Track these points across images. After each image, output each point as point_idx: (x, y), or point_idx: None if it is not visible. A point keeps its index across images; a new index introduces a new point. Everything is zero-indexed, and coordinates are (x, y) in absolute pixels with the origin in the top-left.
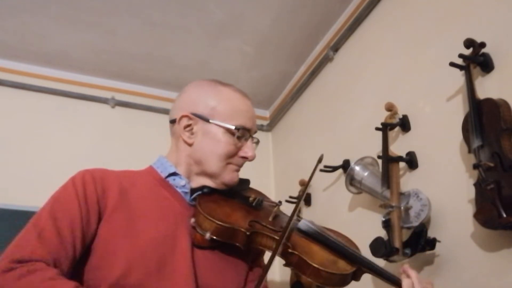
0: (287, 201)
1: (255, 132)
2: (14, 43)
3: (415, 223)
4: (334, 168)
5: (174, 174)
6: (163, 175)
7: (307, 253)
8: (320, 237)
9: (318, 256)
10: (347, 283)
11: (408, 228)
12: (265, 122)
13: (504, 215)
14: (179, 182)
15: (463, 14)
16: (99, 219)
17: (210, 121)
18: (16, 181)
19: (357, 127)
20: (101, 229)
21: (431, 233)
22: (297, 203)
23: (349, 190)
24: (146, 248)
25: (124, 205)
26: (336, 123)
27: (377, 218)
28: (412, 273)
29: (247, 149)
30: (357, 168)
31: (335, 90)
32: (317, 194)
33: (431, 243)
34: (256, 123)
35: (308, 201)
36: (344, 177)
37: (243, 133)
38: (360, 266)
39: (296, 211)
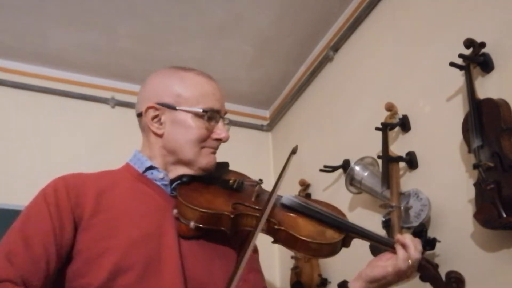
0: None
1: (226, 113)
2: (14, 43)
3: (415, 223)
4: (334, 168)
5: (151, 167)
6: (140, 170)
7: (294, 227)
8: (305, 210)
9: (305, 229)
10: (338, 251)
11: (408, 228)
12: (265, 122)
13: (504, 215)
14: (157, 175)
15: (463, 14)
16: (76, 227)
17: (177, 108)
18: (16, 181)
19: (357, 127)
20: (82, 236)
21: (431, 233)
22: (278, 179)
23: (349, 190)
24: (130, 248)
25: (102, 208)
26: (336, 123)
27: (377, 218)
28: (408, 241)
29: (219, 130)
30: (357, 168)
31: (335, 90)
32: (317, 194)
33: (431, 243)
34: (225, 104)
35: None
36: (344, 177)
37: (212, 115)
38: (348, 233)
39: (277, 187)
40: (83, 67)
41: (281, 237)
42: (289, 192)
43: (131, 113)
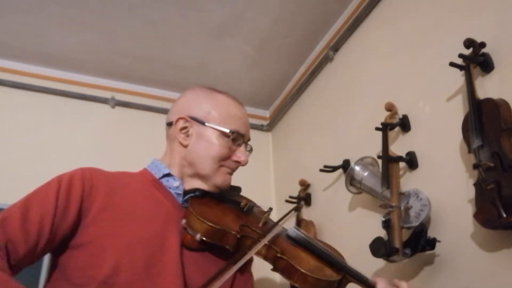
0: (287, 201)
1: (249, 139)
2: (14, 43)
3: (415, 223)
4: (334, 168)
5: (168, 175)
6: (157, 176)
7: (295, 259)
8: (308, 245)
9: (306, 262)
10: None
11: (408, 228)
12: (265, 122)
13: (504, 215)
14: (172, 183)
15: (463, 14)
16: (80, 216)
17: (206, 124)
18: (16, 181)
19: (357, 127)
20: (88, 228)
21: (431, 233)
22: (289, 212)
23: (349, 190)
24: (133, 247)
25: (111, 206)
26: (336, 123)
27: (377, 218)
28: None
29: (240, 153)
30: (357, 168)
31: (335, 90)
32: (317, 194)
33: (431, 243)
34: (249, 131)
35: (308, 201)
36: (344, 177)
37: (236, 137)
38: (346, 275)
39: (286, 217)
40: (83, 67)
41: (281, 266)
42: (289, 192)
43: (131, 113)
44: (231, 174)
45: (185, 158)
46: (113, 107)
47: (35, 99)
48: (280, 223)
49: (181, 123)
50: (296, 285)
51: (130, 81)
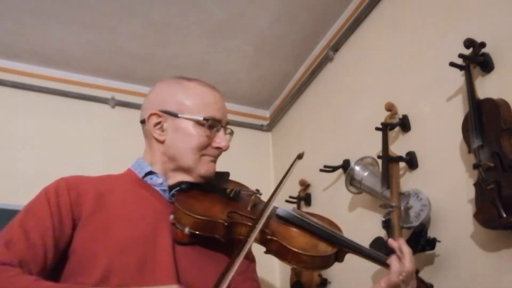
0: (287, 201)
1: (227, 123)
2: (14, 43)
3: (415, 223)
4: (334, 168)
5: (150, 173)
6: (140, 175)
7: (287, 239)
8: (299, 222)
9: (298, 241)
10: (330, 264)
11: (408, 228)
12: (265, 122)
13: (504, 215)
14: (156, 181)
15: (463, 14)
16: (74, 225)
17: (179, 115)
18: (16, 181)
19: (357, 127)
20: (78, 234)
21: (431, 233)
22: (276, 189)
23: (349, 190)
24: (125, 248)
25: (100, 209)
26: (336, 123)
27: (377, 218)
28: (406, 248)
29: (220, 139)
30: (357, 168)
31: (335, 90)
32: (317, 194)
33: (431, 243)
34: (226, 114)
35: (308, 201)
36: (344, 177)
37: (213, 124)
38: (342, 247)
39: (274, 197)
40: (83, 67)
41: (273, 247)
42: (289, 192)
43: (131, 113)
44: (214, 161)
45: (165, 154)
46: (113, 107)
47: (35, 99)
48: (270, 204)
49: (154, 119)
50: (291, 265)
51: (130, 81)
